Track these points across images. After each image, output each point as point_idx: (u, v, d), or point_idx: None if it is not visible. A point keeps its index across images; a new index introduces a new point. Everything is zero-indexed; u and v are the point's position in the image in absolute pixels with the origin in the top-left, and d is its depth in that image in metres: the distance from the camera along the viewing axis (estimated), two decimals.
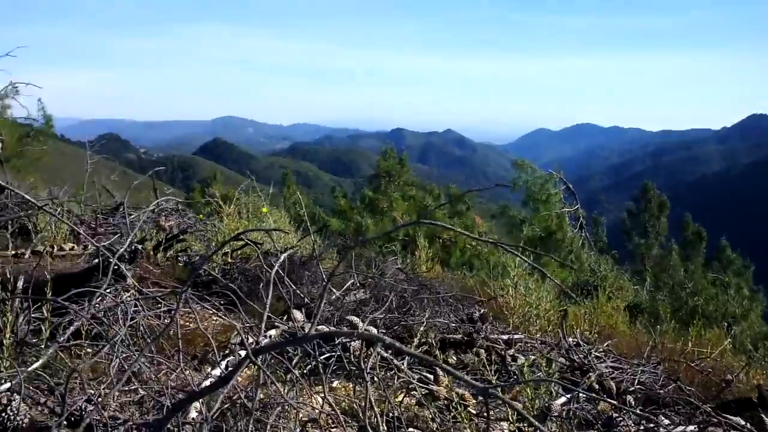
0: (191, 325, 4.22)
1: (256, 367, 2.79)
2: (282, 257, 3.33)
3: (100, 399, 2.70)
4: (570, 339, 4.92)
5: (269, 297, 2.95)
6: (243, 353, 3.82)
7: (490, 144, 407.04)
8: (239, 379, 3.67)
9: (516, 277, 5.65)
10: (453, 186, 20.63)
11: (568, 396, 3.74)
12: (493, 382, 3.61)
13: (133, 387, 3.20)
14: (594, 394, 3.92)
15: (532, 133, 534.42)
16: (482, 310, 5.21)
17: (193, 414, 2.77)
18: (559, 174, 14.66)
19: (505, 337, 4.85)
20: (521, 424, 3.26)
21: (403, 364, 3.79)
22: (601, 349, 4.92)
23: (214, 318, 4.73)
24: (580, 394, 3.76)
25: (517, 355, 4.62)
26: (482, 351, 4.51)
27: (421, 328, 4.36)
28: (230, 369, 2.65)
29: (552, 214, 14.03)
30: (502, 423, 3.51)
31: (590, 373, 4.28)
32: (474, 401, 3.63)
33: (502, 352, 4.56)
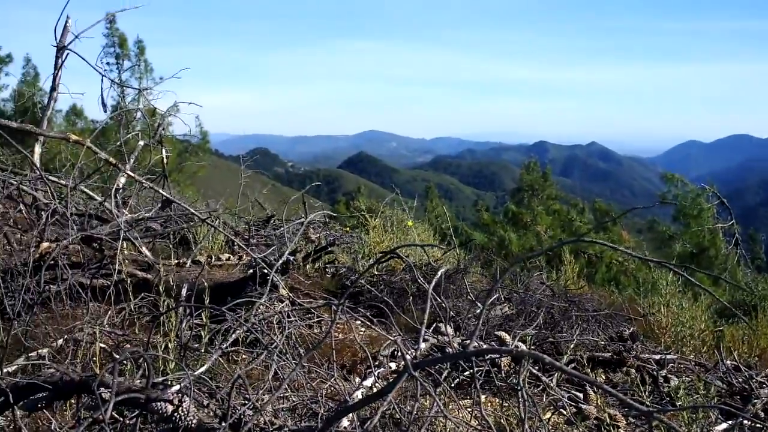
0: (339, 335, 4.48)
1: (408, 379, 2.95)
2: (440, 272, 3.47)
3: (259, 404, 2.95)
4: (728, 362, 4.71)
5: (427, 311, 3.09)
6: (393, 365, 4.01)
7: (637, 157, 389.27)
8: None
9: (668, 295, 5.49)
10: (599, 200, 20.18)
11: (730, 423, 3.60)
12: (647, 403, 3.55)
13: (286, 394, 3.47)
14: (760, 423, 3.74)
15: (682, 145, 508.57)
16: (632, 328, 5.10)
17: (345, 423, 2.97)
18: (712, 188, 14.07)
19: (656, 356, 4.74)
20: None
21: (552, 381, 3.82)
22: (763, 375, 4.66)
23: (361, 329, 4.98)
24: (744, 422, 3.61)
25: (669, 376, 4.48)
26: (632, 370, 4.43)
27: (571, 346, 4.36)
28: (389, 382, 2.80)
29: (704, 229, 13.49)
30: None
31: (755, 400, 4.07)
32: (625, 422, 3.58)
33: (654, 373, 4.45)
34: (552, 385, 3.73)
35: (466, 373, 3.91)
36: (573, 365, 4.28)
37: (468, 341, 4.25)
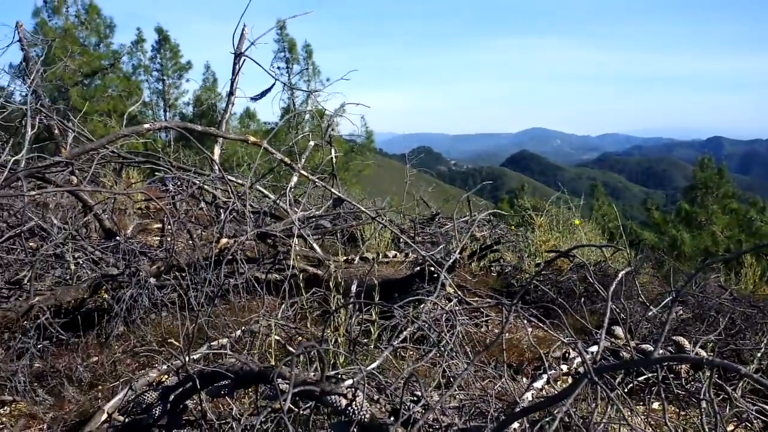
0: (507, 334, 4.44)
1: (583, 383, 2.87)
2: (621, 274, 3.36)
3: (431, 402, 2.98)
4: None
5: (607, 315, 3.00)
6: (564, 368, 3.92)
7: None
8: (552, 391, 3.78)
9: None
10: None
11: None
12: None
13: (454, 392, 3.49)
14: None
15: None
16: None
17: (514, 425, 2.94)
18: None
19: None
20: None
21: (736, 391, 3.57)
22: None
23: (528, 329, 4.91)
24: None
25: None
26: None
27: (758, 355, 4.05)
28: (567, 386, 2.74)
29: None
30: None
31: None
32: None
33: None
34: (737, 395, 3.48)
35: (640, 378, 3.75)
36: (759, 375, 3.96)
37: (643, 345, 4.08)
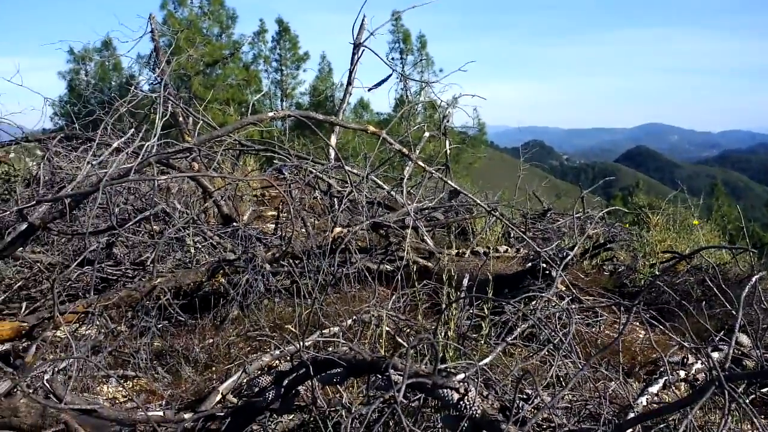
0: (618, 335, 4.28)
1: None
2: (754, 279, 3.18)
3: (541, 401, 2.91)
4: None
5: (739, 318, 2.84)
6: (682, 374, 3.75)
7: None
8: (668, 398, 3.62)
9: None
10: None
11: None
12: None
13: (565, 392, 3.40)
14: None
15: None
16: None
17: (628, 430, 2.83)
18: None
19: None
20: None
21: None
22: None
23: (641, 331, 4.73)
24: None
25: None
26: None
27: None
28: (693, 393, 2.61)
29: None
30: None
31: None
32: None
33: None
34: None
35: (764, 390, 3.54)
36: None
37: None
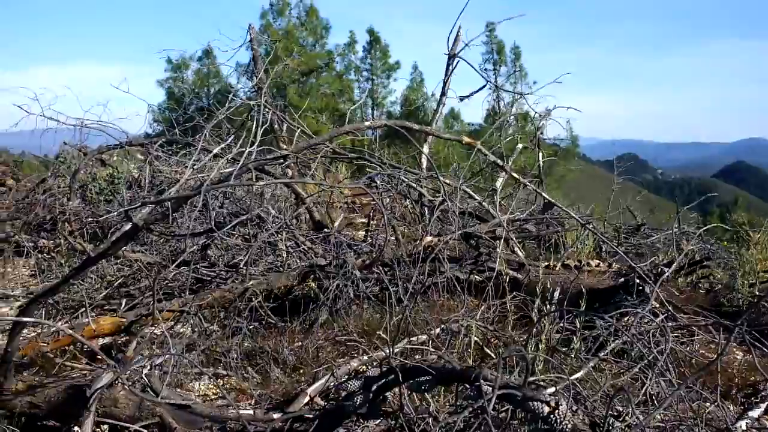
0: (714, 356, 4.12)
1: None
2: None
3: (636, 419, 2.83)
4: None
5: None
6: None
7: None
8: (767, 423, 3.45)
9: None
10: None
11: None
12: None
13: (659, 411, 3.30)
14: None
15: None
16: None
17: None
18: None
19: None
20: None
21: None
22: None
23: (738, 353, 4.53)
24: None
25: None
26: None
27: None
28: None
29: None
30: None
31: None
32: None
33: None
34: None
35: None
36: None
37: None
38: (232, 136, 5.16)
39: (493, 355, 3.79)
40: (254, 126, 4.67)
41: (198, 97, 24.24)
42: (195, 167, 4.34)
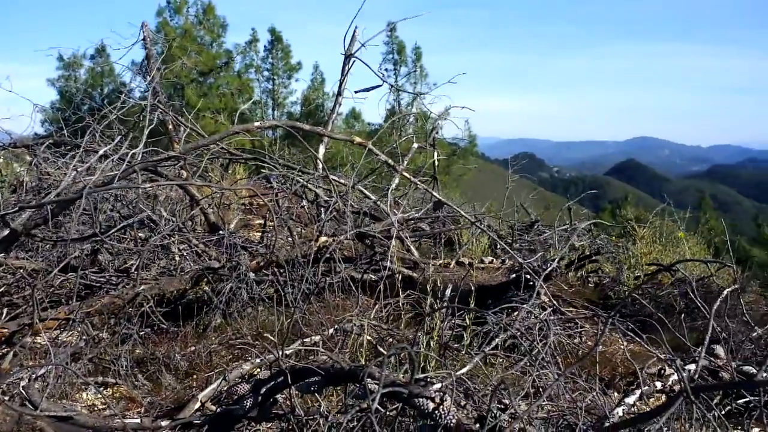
0: (600, 347, 4.29)
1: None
2: (726, 292, 3.20)
3: (519, 411, 2.91)
4: None
5: (709, 332, 2.87)
6: (659, 385, 3.76)
7: None
8: (645, 408, 3.62)
9: None
10: None
11: None
12: None
13: (542, 402, 3.41)
14: None
15: None
16: None
17: None
18: None
19: None
20: None
21: None
22: None
23: (623, 343, 4.74)
24: None
25: None
26: None
27: None
28: (662, 404, 2.64)
29: None
30: None
31: None
32: None
33: None
34: None
35: (741, 401, 3.55)
36: None
37: (745, 367, 3.88)
38: (120, 136, 4.99)
39: (383, 351, 3.81)
40: (144, 126, 4.56)
41: (90, 96, 23.36)
42: (78, 169, 4.19)
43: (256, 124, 5.43)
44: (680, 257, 7.03)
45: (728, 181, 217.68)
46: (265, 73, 29.10)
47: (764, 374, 2.93)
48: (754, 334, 4.63)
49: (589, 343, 4.71)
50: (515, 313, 4.29)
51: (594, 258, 6.61)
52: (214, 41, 26.15)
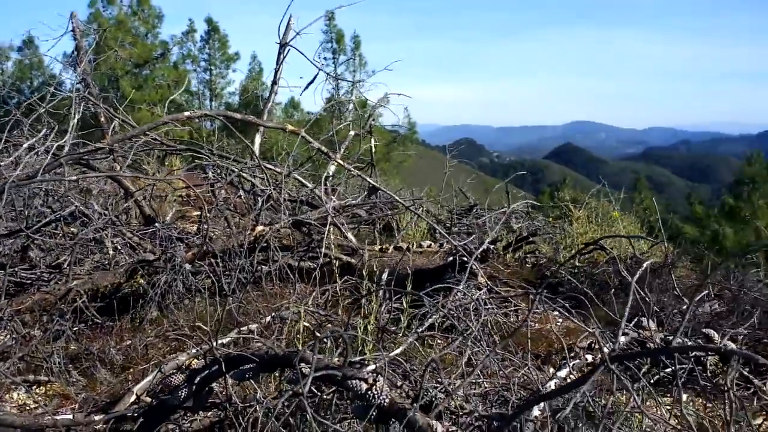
0: (537, 325, 4.39)
1: (604, 372, 2.83)
2: (645, 265, 3.30)
3: (451, 388, 2.96)
4: None
5: (629, 304, 2.95)
6: (589, 358, 3.86)
7: None
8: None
9: None
10: None
11: None
12: None
13: (479, 380, 3.48)
14: None
15: None
16: None
17: (536, 412, 2.91)
18: None
19: None
20: None
21: (765, 384, 3.49)
22: None
23: (559, 320, 4.85)
24: None
25: None
26: None
27: None
28: (584, 373, 2.71)
29: None
30: None
31: None
32: None
33: None
34: (765, 388, 3.41)
35: (668, 370, 3.68)
36: None
37: (671, 337, 4.01)
38: (48, 129, 4.86)
39: (324, 339, 3.82)
40: (72, 118, 4.45)
41: (18, 90, 22.61)
42: (2, 163, 4.07)
43: (186, 113, 5.35)
44: (610, 234, 7.22)
45: (662, 162, 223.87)
46: (203, 64, 28.65)
47: (678, 341, 3.03)
48: (684, 307, 4.81)
49: (527, 321, 4.81)
50: (451, 295, 4.35)
51: (531, 239, 6.74)
52: (150, 32, 25.59)
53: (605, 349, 2.43)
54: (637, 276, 2.88)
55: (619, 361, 2.60)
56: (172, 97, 7.83)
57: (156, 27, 25.68)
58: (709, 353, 3.62)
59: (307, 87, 7.29)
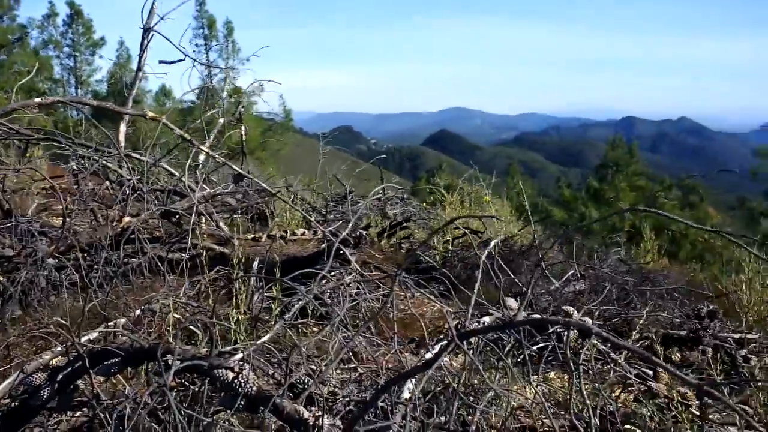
0: (410, 309, 4.52)
1: (471, 352, 2.98)
2: (492, 243, 3.46)
3: (320, 374, 3.02)
4: None
5: (478, 282, 3.10)
6: None
7: (732, 133, 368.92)
8: (454, 364, 3.88)
9: (750, 273, 5.23)
10: (685, 176, 19.86)
11: None
12: (719, 382, 3.45)
13: (352, 366, 3.56)
14: None
15: None
16: (711, 306, 4.90)
17: (406, 394, 3.01)
18: None
19: (736, 336, 4.53)
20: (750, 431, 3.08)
21: (620, 357, 3.76)
22: None
23: (434, 304, 5.01)
24: None
25: (750, 356, 4.29)
26: (709, 349, 4.27)
27: (641, 322, 4.27)
28: (436, 352, 2.84)
29: None
30: (729, 428, 3.32)
31: None
32: (697, 401, 3.48)
33: (733, 352, 4.27)
34: (620, 361, 3.68)
35: (535, 348, 3.89)
36: (644, 342, 4.19)
37: (535, 316, 4.24)
38: None
39: (196, 330, 3.78)
40: None
41: None
42: None
43: (37, 100, 5.10)
44: (486, 220, 7.50)
45: (535, 148, 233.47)
46: (66, 50, 27.27)
47: (523, 315, 3.22)
48: (552, 287, 5.09)
49: (401, 306, 4.93)
50: (323, 282, 4.40)
51: (405, 225, 6.89)
52: (5, 14, 24.07)
53: (452, 327, 2.55)
54: (486, 252, 3.01)
55: (468, 337, 2.74)
56: (20, 83, 7.43)
57: (13, 9, 24.19)
58: (562, 328, 3.84)
59: (168, 63, 7.11)
